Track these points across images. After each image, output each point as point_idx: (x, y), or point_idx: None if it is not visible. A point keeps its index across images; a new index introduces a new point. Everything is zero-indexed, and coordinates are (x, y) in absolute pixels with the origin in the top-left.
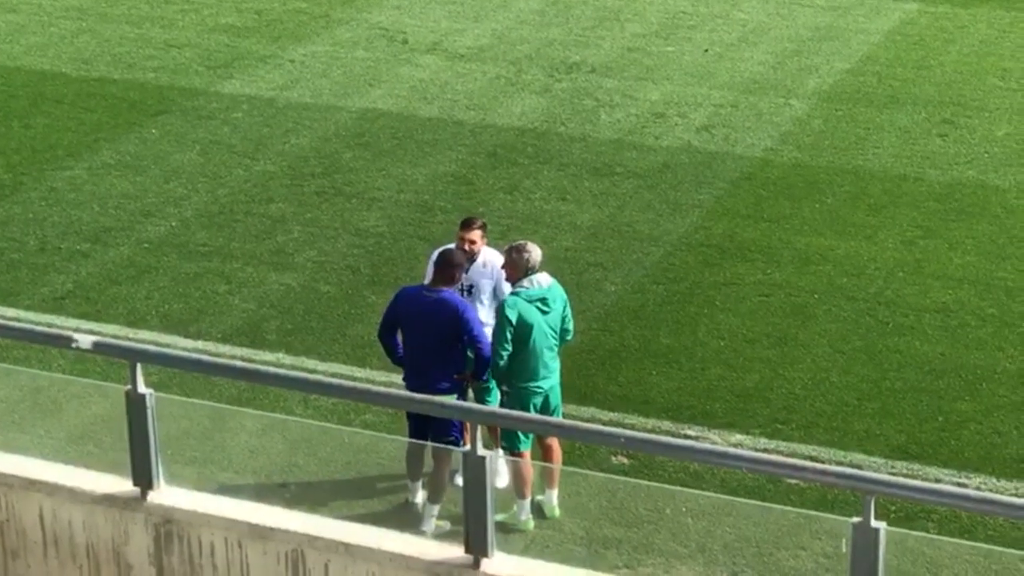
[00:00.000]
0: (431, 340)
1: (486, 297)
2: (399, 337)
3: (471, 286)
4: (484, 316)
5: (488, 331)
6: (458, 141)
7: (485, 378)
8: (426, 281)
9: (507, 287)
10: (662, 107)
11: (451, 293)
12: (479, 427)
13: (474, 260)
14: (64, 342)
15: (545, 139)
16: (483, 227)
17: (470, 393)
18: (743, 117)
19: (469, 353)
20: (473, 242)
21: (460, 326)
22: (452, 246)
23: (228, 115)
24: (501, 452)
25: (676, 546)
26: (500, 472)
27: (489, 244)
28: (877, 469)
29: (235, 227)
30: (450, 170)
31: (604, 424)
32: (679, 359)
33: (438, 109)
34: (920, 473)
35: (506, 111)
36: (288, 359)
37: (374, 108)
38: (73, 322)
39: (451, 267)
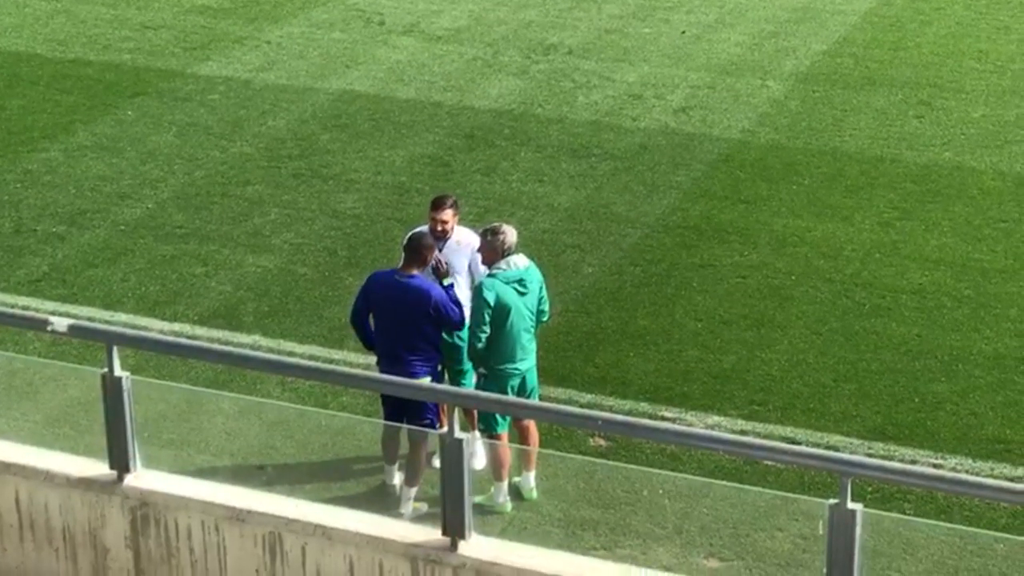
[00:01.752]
0: (403, 324)
1: (461, 276)
2: (371, 322)
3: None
4: (461, 295)
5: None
6: (435, 123)
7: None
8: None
9: (483, 269)
10: (639, 89)
11: (422, 278)
12: (455, 409)
13: (447, 238)
14: (40, 325)
15: (522, 121)
16: (454, 205)
17: (446, 376)
18: (720, 99)
19: (445, 336)
20: (445, 222)
21: (432, 308)
22: (423, 228)
23: (205, 97)
24: (478, 434)
25: (653, 527)
26: (477, 454)
27: (464, 224)
28: (854, 451)
29: (212, 209)
30: (427, 152)
31: (581, 406)
32: (656, 341)
33: (415, 91)
34: (896, 454)
35: (483, 93)
36: (265, 341)
37: (351, 90)
38: (49, 305)
39: (421, 249)
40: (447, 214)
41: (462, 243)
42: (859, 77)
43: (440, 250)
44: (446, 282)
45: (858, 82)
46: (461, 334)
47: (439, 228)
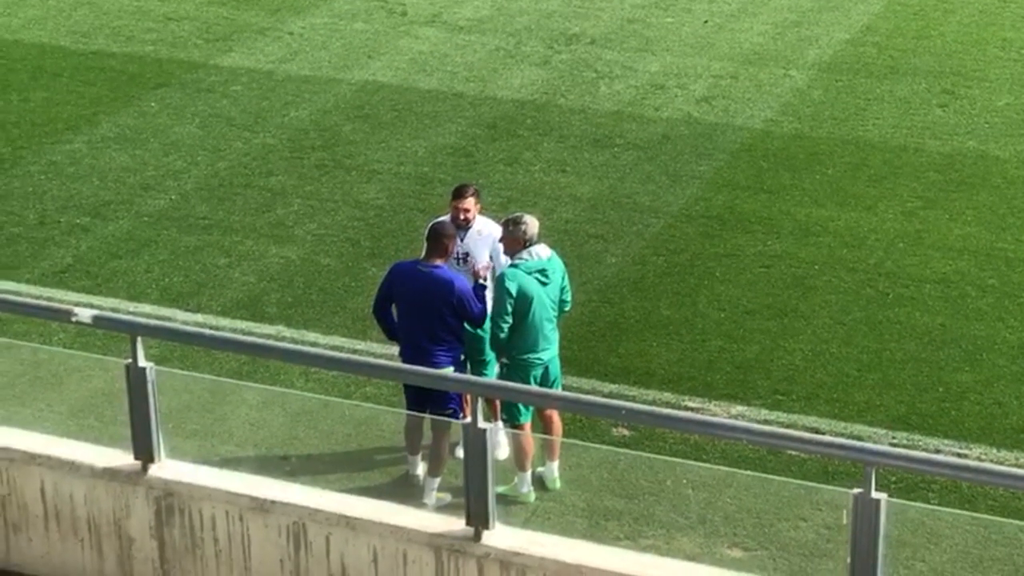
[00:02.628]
0: (426, 315)
1: (483, 265)
2: (394, 312)
3: (466, 254)
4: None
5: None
6: (458, 113)
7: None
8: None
9: (505, 259)
10: (662, 78)
11: (445, 268)
12: (479, 400)
13: (469, 228)
14: (64, 316)
15: (545, 111)
16: (476, 194)
17: (468, 366)
18: (743, 88)
19: (467, 326)
20: (467, 210)
21: (455, 299)
22: (444, 217)
23: (227, 88)
24: (501, 424)
25: (677, 517)
26: (500, 444)
27: (487, 214)
28: (878, 440)
29: (235, 200)
30: (450, 142)
31: (604, 396)
32: (679, 331)
33: (437, 81)
34: (920, 444)
35: (506, 83)
36: (288, 332)
37: (374, 80)
38: (73, 296)
39: (442, 239)
40: (469, 203)
41: (484, 232)
42: (882, 66)
43: (462, 240)
44: (480, 280)
45: (881, 71)
46: (474, 312)
47: (461, 217)
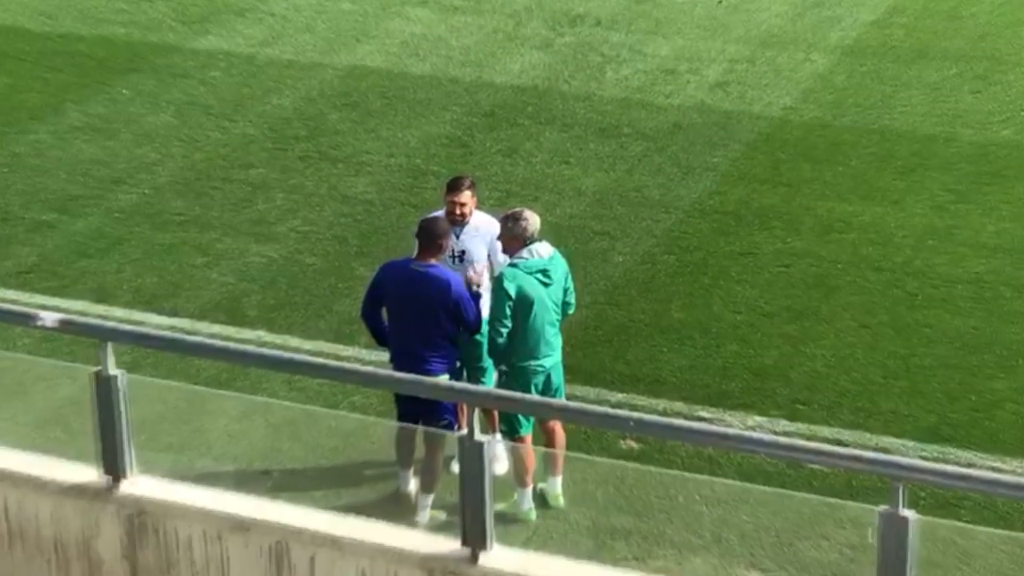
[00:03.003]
0: (419, 318)
1: (481, 264)
2: (384, 316)
3: (462, 252)
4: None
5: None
6: (453, 101)
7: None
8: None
9: (503, 258)
10: (673, 63)
11: (440, 268)
12: (475, 410)
13: (465, 223)
14: (28, 320)
15: (547, 98)
16: (472, 187)
17: (465, 374)
18: (760, 73)
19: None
20: (463, 204)
21: (450, 302)
22: (438, 213)
23: (204, 74)
24: (500, 437)
25: (689, 536)
26: (499, 458)
27: (484, 209)
28: (906, 453)
29: (212, 195)
30: (444, 132)
31: (611, 406)
32: (692, 335)
33: (431, 66)
34: (952, 457)
35: (504, 68)
36: (270, 337)
37: (362, 65)
38: (38, 298)
39: (435, 236)
40: (464, 196)
41: (481, 229)
42: (910, 49)
43: (457, 236)
44: (475, 287)
45: (909, 55)
46: (470, 319)
47: (456, 212)
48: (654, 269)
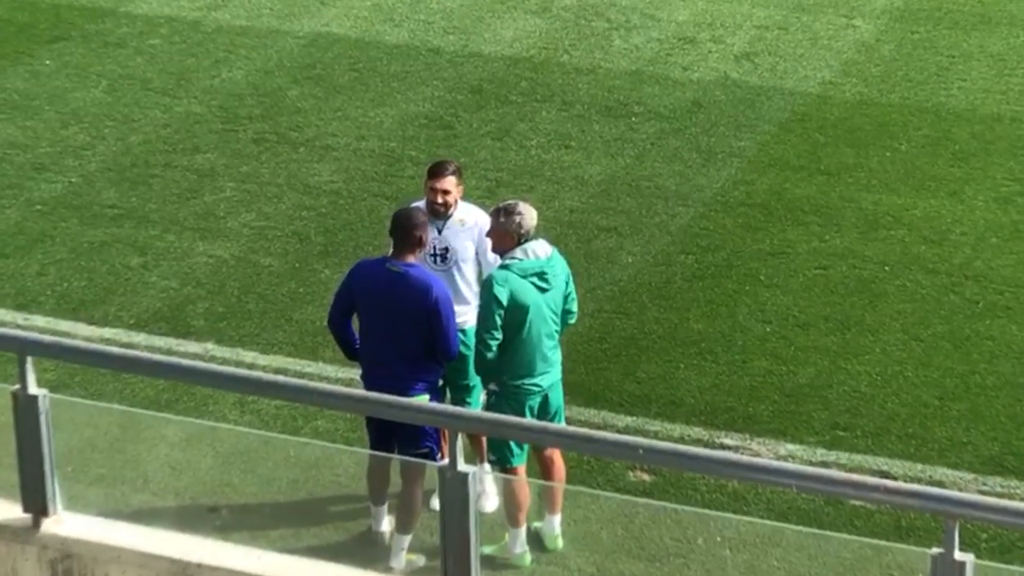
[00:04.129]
0: (396, 327)
1: (468, 265)
2: (355, 325)
3: (445, 249)
4: (466, 291)
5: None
6: (434, 74)
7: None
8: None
9: (493, 258)
10: (692, 29)
11: (420, 268)
12: (460, 436)
13: (448, 216)
14: None
15: (544, 71)
16: (457, 173)
17: (448, 393)
18: (794, 42)
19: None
20: (446, 192)
21: (431, 311)
22: (418, 203)
23: (142, 42)
24: (488, 467)
25: None
26: (487, 493)
27: (469, 199)
28: (964, 488)
29: (151, 184)
30: (424, 111)
31: (619, 432)
32: (714, 349)
33: (408, 33)
34: (1017, 492)
35: (494, 35)
36: (219, 350)
37: (327, 32)
38: None
39: (411, 228)
40: (447, 182)
41: (468, 222)
42: (971, 13)
43: (440, 231)
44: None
45: (969, 20)
46: (467, 339)
47: (439, 201)
48: (669, 272)
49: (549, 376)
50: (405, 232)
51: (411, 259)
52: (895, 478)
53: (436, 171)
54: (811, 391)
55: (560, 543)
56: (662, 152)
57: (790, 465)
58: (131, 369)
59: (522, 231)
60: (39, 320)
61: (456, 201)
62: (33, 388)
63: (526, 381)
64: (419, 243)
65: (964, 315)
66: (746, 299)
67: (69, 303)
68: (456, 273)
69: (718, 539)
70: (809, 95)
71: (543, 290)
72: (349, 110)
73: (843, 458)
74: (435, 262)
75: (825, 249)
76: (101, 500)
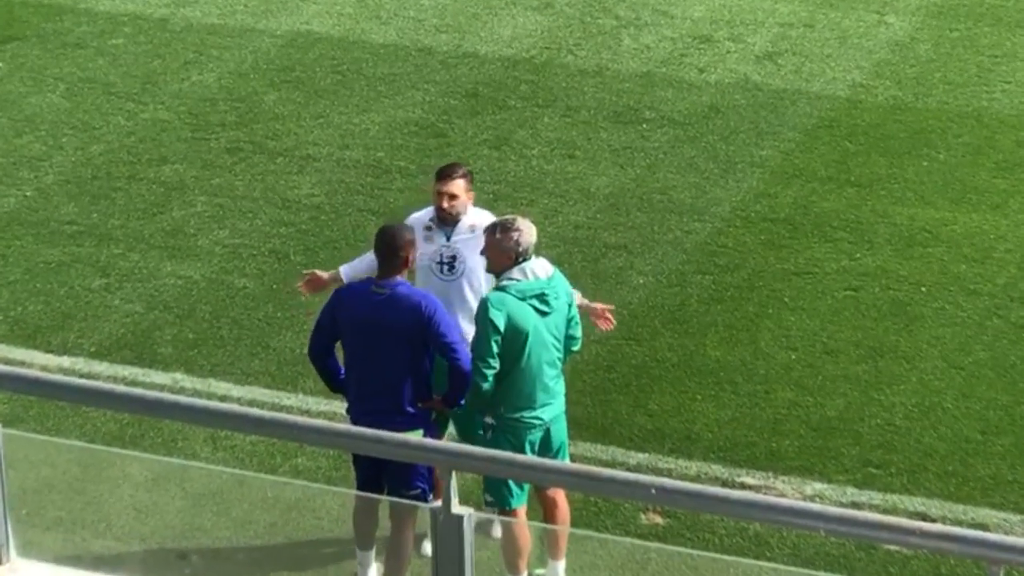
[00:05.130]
0: (385, 355)
1: (478, 277)
2: (339, 353)
3: (453, 257)
4: (476, 304)
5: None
6: (425, 77)
7: (462, 403)
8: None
9: (488, 279)
10: (708, 27)
11: (407, 285)
12: (454, 475)
13: (457, 223)
14: None
15: (546, 73)
16: (467, 176)
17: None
18: (821, 41)
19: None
20: (454, 197)
21: (427, 331)
22: (424, 212)
23: (104, 42)
24: (486, 510)
25: None
26: (495, 519)
27: (479, 204)
28: (1009, 530)
29: (114, 198)
30: (414, 117)
31: (629, 470)
32: (734, 379)
33: (396, 32)
34: None
35: (491, 34)
36: (189, 381)
37: (307, 31)
38: None
39: (397, 245)
40: (456, 186)
41: (478, 230)
42: (1014, 8)
43: (448, 237)
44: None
45: (1013, 16)
46: (459, 357)
47: (445, 205)
48: (684, 294)
49: (551, 408)
50: (390, 251)
51: (397, 278)
52: (933, 520)
53: (444, 174)
54: (841, 424)
55: None
56: (676, 162)
57: (818, 506)
58: (92, 402)
59: (520, 249)
60: None
61: (466, 206)
62: None
63: (526, 414)
64: (405, 263)
65: (1009, 340)
66: (769, 323)
67: (24, 329)
68: (465, 284)
69: None
70: (837, 99)
71: (544, 314)
72: (332, 116)
73: (876, 498)
74: (442, 271)
75: (856, 268)
76: (59, 546)
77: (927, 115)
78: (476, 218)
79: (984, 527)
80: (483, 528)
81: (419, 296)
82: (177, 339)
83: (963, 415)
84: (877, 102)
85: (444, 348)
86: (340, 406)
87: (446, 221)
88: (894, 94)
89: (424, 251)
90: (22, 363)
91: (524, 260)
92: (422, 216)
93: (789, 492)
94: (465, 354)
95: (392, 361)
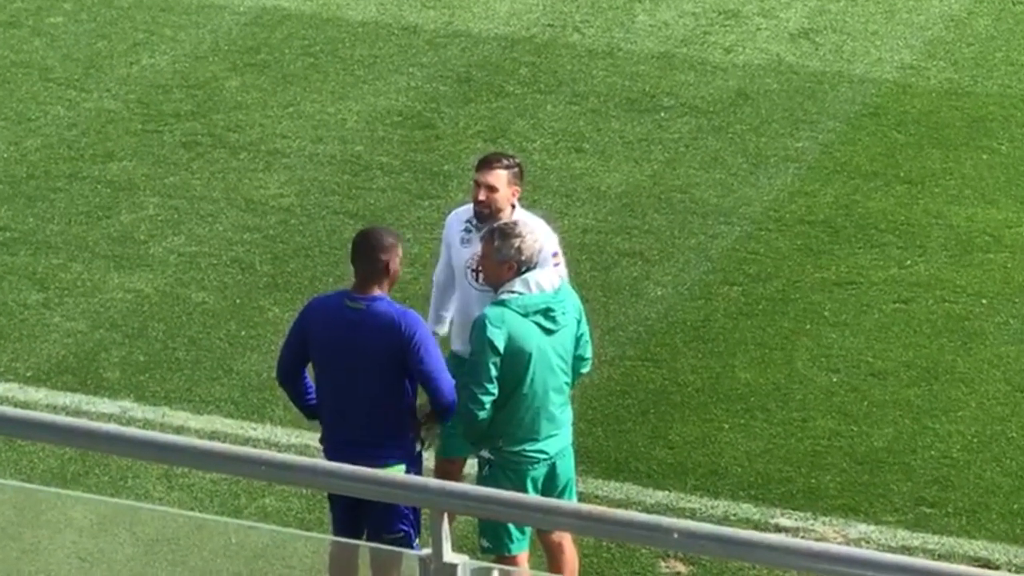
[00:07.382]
0: (361, 379)
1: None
2: (311, 375)
3: None
4: None
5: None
6: (410, 59)
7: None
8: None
9: (476, 296)
10: (735, 1)
11: (387, 301)
12: (445, 516)
13: (492, 220)
14: None
15: (549, 55)
16: (512, 169)
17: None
18: (865, 16)
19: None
20: (492, 189)
21: (404, 355)
22: (463, 207)
23: (40, 20)
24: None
25: None
26: None
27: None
28: None
29: (53, 200)
30: (397, 106)
31: (647, 510)
32: (766, 405)
33: (376, 8)
34: None
35: (486, 10)
36: (140, 410)
37: (275, 7)
38: None
39: (376, 256)
40: (496, 177)
41: None
42: None
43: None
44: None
45: None
46: (440, 387)
47: (482, 197)
48: (709, 307)
49: (557, 441)
50: (368, 258)
51: (376, 291)
52: (997, 566)
53: (484, 162)
54: (889, 457)
55: None
56: (699, 156)
57: (864, 552)
58: (28, 435)
59: (522, 258)
60: None
61: (507, 202)
62: None
63: (528, 447)
64: (386, 272)
65: None
66: (807, 341)
67: None
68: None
69: None
70: (884, 83)
71: (549, 332)
72: (303, 105)
73: (931, 541)
74: (476, 279)
75: (906, 278)
76: None
77: (987, 101)
78: (522, 219)
79: None
80: None
81: (398, 313)
82: (126, 362)
83: None
84: (930, 86)
85: (422, 377)
86: (313, 437)
87: (482, 218)
88: (949, 77)
89: (459, 255)
90: None
91: (527, 270)
92: (462, 213)
93: (831, 535)
94: (448, 384)
95: (368, 387)
